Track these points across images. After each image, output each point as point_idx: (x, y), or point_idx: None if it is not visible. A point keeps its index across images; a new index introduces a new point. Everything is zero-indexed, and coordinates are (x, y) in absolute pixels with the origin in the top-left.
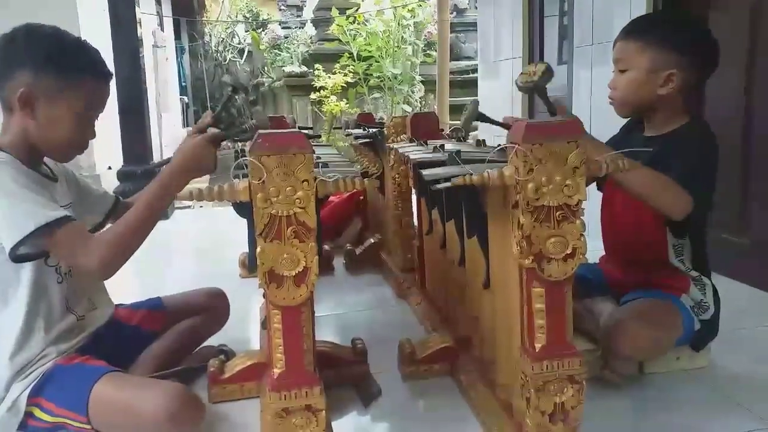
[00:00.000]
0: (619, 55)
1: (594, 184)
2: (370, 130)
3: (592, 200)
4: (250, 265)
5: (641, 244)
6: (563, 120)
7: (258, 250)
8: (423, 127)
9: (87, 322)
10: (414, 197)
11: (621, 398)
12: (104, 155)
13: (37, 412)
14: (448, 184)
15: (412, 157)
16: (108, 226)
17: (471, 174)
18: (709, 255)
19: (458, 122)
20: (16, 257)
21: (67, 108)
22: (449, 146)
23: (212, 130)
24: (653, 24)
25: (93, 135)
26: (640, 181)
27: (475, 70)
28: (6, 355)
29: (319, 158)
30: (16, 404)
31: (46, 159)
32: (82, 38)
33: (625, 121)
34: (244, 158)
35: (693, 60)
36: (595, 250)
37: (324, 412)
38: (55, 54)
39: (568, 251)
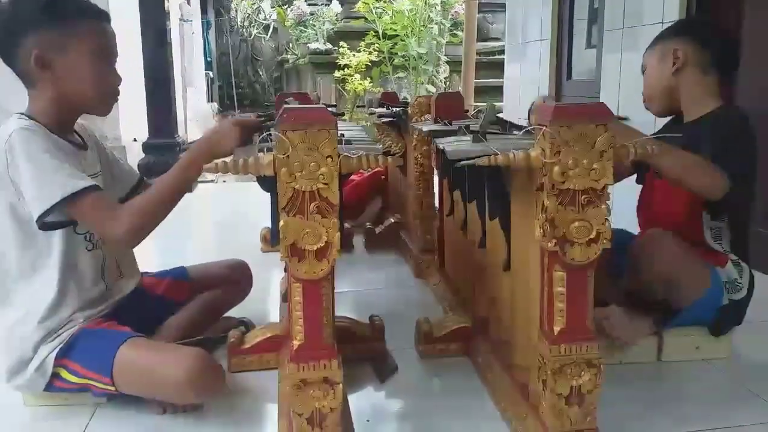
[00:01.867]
0: (643, 61)
1: (634, 177)
2: (394, 109)
3: (624, 189)
4: (272, 239)
5: (678, 228)
6: (593, 102)
7: (281, 224)
8: (448, 107)
9: (115, 290)
10: (436, 178)
11: (638, 384)
12: (130, 127)
13: (64, 373)
14: (471, 162)
15: (435, 138)
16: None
17: (496, 154)
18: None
19: (483, 104)
20: (44, 225)
21: (81, 55)
22: (474, 127)
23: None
24: (669, 29)
25: (119, 78)
26: (674, 163)
27: (501, 52)
28: (36, 319)
29: (343, 135)
30: (43, 365)
31: (77, 127)
32: None
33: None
34: (269, 133)
35: (694, 38)
36: None
37: (341, 385)
38: (49, 8)
39: (592, 236)
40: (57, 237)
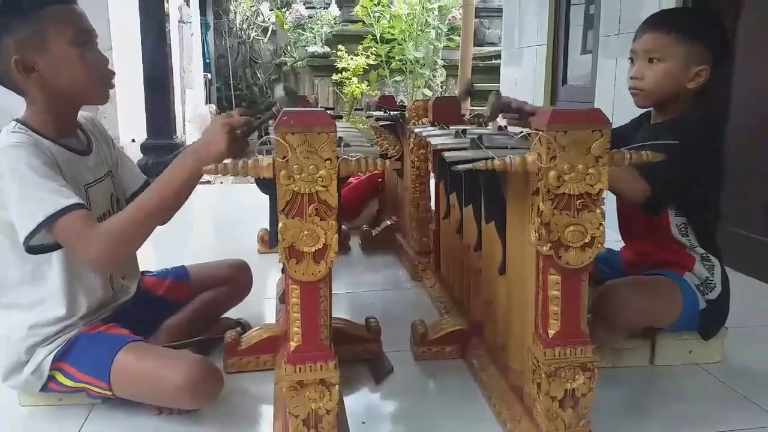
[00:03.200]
0: (650, 46)
1: None
2: (392, 112)
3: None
4: (271, 241)
5: (646, 224)
6: (589, 108)
7: (280, 225)
8: (445, 111)
9: (120, 293)
10: (432, 181)
11: (631, 388)
12: (129, 128)
13: (60, 377)
14: (469, 166)
15: (433, 141)
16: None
17: (493, 158)
18: (717, 237)
19: (481, 108)
20: (29, 248)
21: (61, 45)
22: (471, 131)
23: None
24: (688, 17)
25: (105, 59)
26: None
27: (498, 57)
28: (36, 323)
29: (341, 138)
30: (39, 368)
31: (83, 123)
32: None
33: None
34: (269, 136)
35: (720, 56)
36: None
37: (337, 386)
38: (10, 5)
39: (587, 240)
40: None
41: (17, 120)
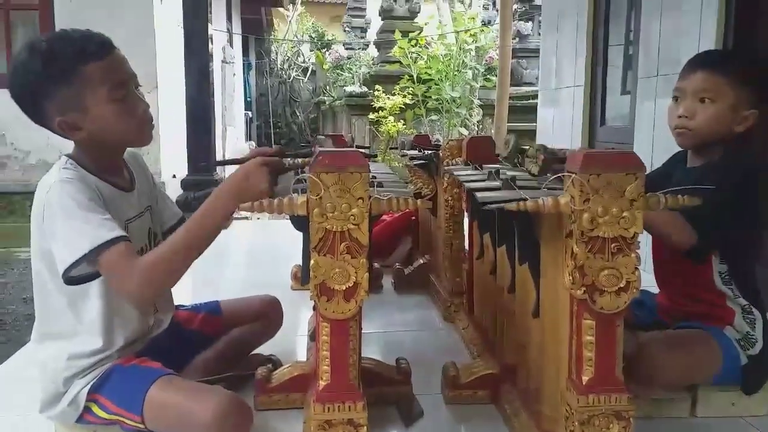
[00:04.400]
0: (704, 86)
1: None
2: (426, 151)
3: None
4: (303, 278)
5: (686, 271)
6: (623, 151)
7: (311, 263)
8: (479, 151)
9: (153, 327)
10: (466, 221)
11: None
12: (170, 164)
13: (95, 408)
14: (500, 204)
15: (465, 181)
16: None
17: (526, 200)
18: (757, 286)
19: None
20: (69, 279)
21: (97, 105)
22: (505, 172)
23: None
24: (740, 60)
25: (146, 104)
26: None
27: (535, 97)
28: (73, 355)
29: (375, 177)
30: (76, 399)
31: (127, 158)
32: (58, 30)
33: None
34: (304, 174)
35: (762, 98)
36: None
37: (366, 427)
38: (48, 68)
39: (622, 285)
40: (96, 281)
41: (68, 155)
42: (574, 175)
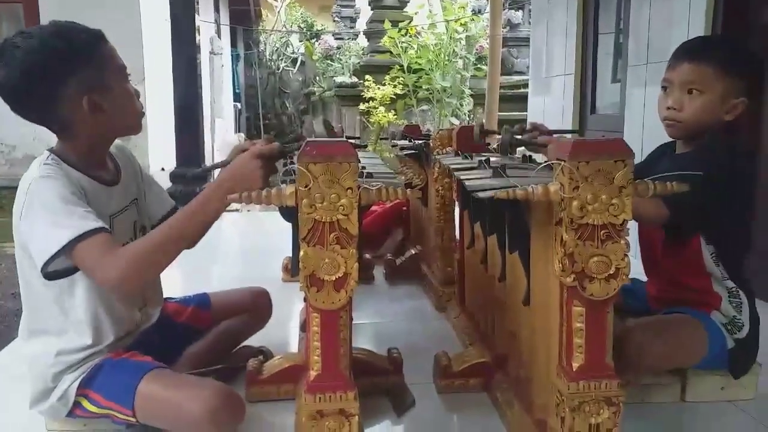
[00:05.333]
0: (691, 77)
1: None
2: (416, 141)
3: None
4: (293, 269)
5: (677, 254)
6: (612, 138)
7: (301, 253)
8: (469, 140)
9: (142, 320)
10: (457, 210)
11: (661, 426)
12: (158, 157)
13: (85, 403)
14: (491, 194)
15: (455, 170)
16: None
17: (516, 188)
18: (747, 272)
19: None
20: (47, 274)
21: (117, 84)
22: (495, 160)
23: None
24: (728, 49)
25: (138, 93)
26: None
27: (525, 85)
28: (62, 351)
29: (364, 167)
30: (66, 394)
31: (113, 151)
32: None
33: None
34: (292, 165)
35: (756, 89)
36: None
37: (357, 417)
38: (75, 47)
39: (611, 271)
40: (78, 276)
41: (51, 151)
42: (563, 163)
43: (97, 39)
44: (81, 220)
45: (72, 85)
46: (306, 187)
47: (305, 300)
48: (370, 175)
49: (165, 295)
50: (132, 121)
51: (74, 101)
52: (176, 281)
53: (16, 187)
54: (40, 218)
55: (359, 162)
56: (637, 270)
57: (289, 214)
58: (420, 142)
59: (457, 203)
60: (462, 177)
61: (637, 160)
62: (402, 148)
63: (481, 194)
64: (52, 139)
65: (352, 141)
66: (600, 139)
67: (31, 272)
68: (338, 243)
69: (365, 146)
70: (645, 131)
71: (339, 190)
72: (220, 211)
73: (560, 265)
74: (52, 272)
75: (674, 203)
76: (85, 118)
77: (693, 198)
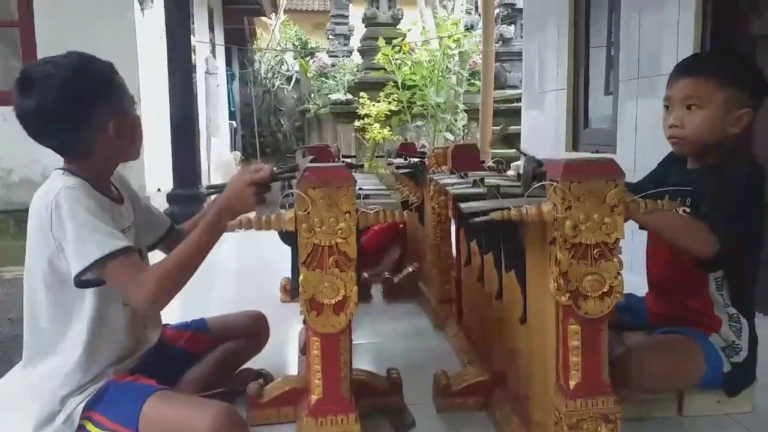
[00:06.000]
0: (688, 92)
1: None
2: (412, 160)
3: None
4: (293, 292)
5: (682, 276)
6: (602, 158)
7: (301, 277)
8: (464, 158)
9: (143, 341)
10: (453, 228)
11: None
12: (154, 177)
13: (90, 426)
14: (486, 217)
15: (451, 190)
16: (158, 250)
17: (509, 209)
18: (753, 295)
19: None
20: (80, 282)
21: (132, 110)
22: (489, 180)
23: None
24: (724, 61)
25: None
26: (663, 224)
27: (519, 99)
28: (65, 373)
29: (361, 189)
30: (70, 417)
31: (113, 177)
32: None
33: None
34: (291, 190)
35: (760, 99)
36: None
37: None
38: (104, 73)
39: (605, 289)
40: (89, 293)
41: (63, 169)
42: (555, 184)
43: (113, 69)
44: (109, 238)
45: (101, 111)
46: (305, 211)
47: (305, 322)
48: (366, 196)
49: (163, 320)
50: (139, 146)
51: (101, 127)
52: (174, 302)
53: (12, 211)
54: (70, 228)
55: (356, 184)
56: (635, 285)
57: (289, 237)
58: (415, 160)
59: (453, 221)
60: (457, 198)
61: (640, 167)
62: (398, 167)
63: (477, 219)
64: (49, 162)
65: (348, 160)
66: (591, 160)
67: (41, 292)
68: (337, 266)
69: (361, 166)
70: (637, 145)
71: (337, 214)
72: (221, 233)
73: (555, 284)
74: (83, 281)
75: (719, 233)
76: (107, 143)
77: (731, 224)
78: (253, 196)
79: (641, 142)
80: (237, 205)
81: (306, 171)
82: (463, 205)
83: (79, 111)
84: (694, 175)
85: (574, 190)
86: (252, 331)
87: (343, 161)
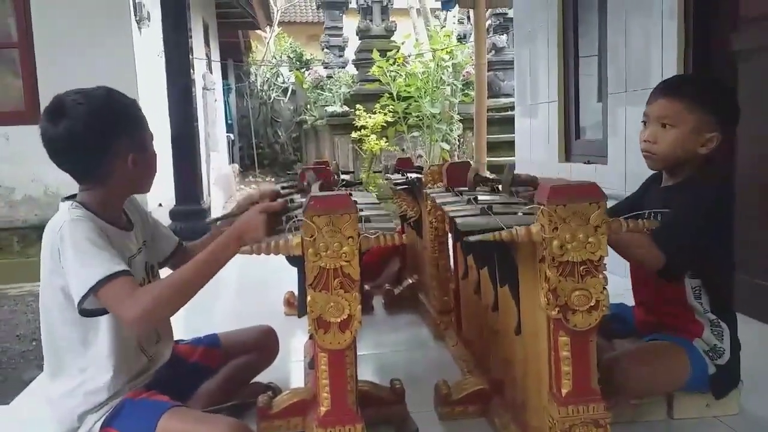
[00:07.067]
0: (663, 112)
1: None
2: (409, 176)
3: None
4: (299, 311)
5: (659, 287)
6: (585, 182)
7: (308, 299)
8: (458, 176)
9: (156, 357)
10: (450, 242)
11: None
12: (156, 193)
13: None
14: (479, 237)
15: (446, 209)
16: (167, 267)
17: (501, 229)
18: (730, 299)
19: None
20: (82, 311)
21: (150, 144)
22: (483, 197)
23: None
24: (700, 85)
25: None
26: (618, 239)
27: (513, 108)
28: (86, 391)
29: (362, 210)
30: None
31: (126, 207)
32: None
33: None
34: (298, 219)
35: (731, 124)
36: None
37: None
38: (129, 108)
39: (592, 303)
40: (103, 318)
41: (73, 199)
42: (542, 206)
43: (137, 105)
44: (107, 263)
45: (123, 142)
46: (311, 237)
47: (311, 337)
48: (367, 219)
49: (174, 336)
50: (152, 180)
51: (121, 156)
52: (180, 314)
53: (15, 229)
54: (71, 259)
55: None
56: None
57: (295, 260)
58: (413, 176)
59: (450, 234)
60: (453, 215)
61: (630, 177)
62: (396, 183)
63: (471, 238)
64: (51, 182)
65: (347, 177)
66: (575, 184)
67: (56, 313)
68: (342, 287)
69: (360, 183)
70: (627, 156)
71: (341, 239)
72: (230, 258)
73: (545, 299)
74: (87, 310)
75: (668, 245)
76: (124, 173)
77: (686, 237)
78: (264, 224)
79: (631, 153)
80: (247, 232)
81: (311, 200)
82: (459, 222)
83: (104, 140)
84: (666, 193)
85: (560, 212)
86: (263, 345)
87: (342, 179)
